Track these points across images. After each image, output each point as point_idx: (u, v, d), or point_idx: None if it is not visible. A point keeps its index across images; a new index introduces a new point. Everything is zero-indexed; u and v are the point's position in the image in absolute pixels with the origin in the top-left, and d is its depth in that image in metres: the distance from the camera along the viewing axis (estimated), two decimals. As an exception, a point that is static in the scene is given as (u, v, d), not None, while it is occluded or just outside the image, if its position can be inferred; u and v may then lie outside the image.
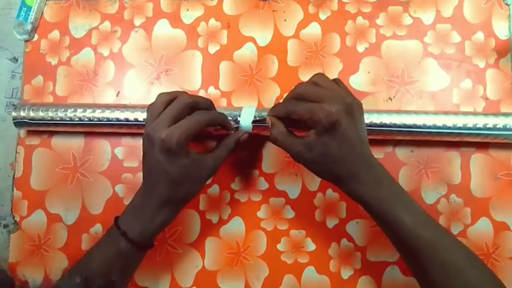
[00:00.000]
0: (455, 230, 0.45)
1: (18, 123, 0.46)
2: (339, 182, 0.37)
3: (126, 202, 0.47)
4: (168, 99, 0.38)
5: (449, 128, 0.43)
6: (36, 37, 0.51)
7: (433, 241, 0.35)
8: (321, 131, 0.35)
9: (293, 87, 0.38)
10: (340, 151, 0.35)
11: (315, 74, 0.39)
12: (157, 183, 0.37)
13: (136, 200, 0.39)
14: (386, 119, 0.43)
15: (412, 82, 0.48)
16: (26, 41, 0.51)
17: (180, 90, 0.49)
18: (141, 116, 0.44)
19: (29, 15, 0.50)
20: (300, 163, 0.38)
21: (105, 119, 0.45)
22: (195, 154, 0.38)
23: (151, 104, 0.38)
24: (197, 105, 0.38)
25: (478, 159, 0.46)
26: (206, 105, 0.40)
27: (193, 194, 0.39)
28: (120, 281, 0.39)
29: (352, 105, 0.35)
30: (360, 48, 0.49)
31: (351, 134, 0.35)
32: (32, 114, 0.45)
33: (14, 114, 0.46)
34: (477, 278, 0.34)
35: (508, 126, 0.42)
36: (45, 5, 0.52)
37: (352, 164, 0.36)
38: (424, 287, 0.37)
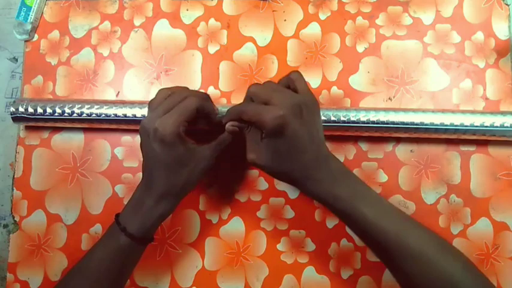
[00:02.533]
0: (455, 230, 0.45)
1: (17, 118, 0.46)
2: (296, 184, 0.37)
3: (126, 202, 0.47)
4: (167, 94, 0.38)
5: (447, 125, 0.43)
6: (36, 37, 0.51)
7: (398, 232, 0.34)
8: (269, 134, 0.35)
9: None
10: (290, 153, 0.35)
11: (265, 81, 0.39)
12: (155, 174, 0.37)
13: (135, 194, 0.39)
14: (384, 117, 0.43)
15: (412, 82, 0.48)
16: (26, 41, 0.51)
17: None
18: (140, 112, 0.44)
19: (28, 15, 0.50)
20: (255, 167, 0.38)
21: (103, 115, 0.45)
22: (192, 144, 0.38)
23: (152, 99, 0.39)
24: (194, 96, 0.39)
25: (477, 159, 0.46)
26: (204, 99, 0.40)
27: (191, 185, 0.39)
28: (120, 276, 0.39)
29: (301, 106, 0.35)
30: (360, 48, 0.49)
31: (300, 135, 0.35)
32: (30, 109, 0.45)
33: (12, 109, 0.46)
34: (450, 265, 0.34)
35: (505, 124, 0.42)
36: (45, 5, 0.52)
37: (305, 165, 0.35)
38: (400, 281, 0.36)
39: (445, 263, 0.34)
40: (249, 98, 0.38)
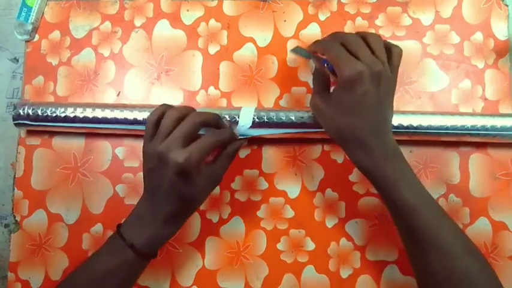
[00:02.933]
0: (454, 230, 0.45)
1: (18, 124, 0.46)
2: (345, 146, 0.37)
3: (127, 202, 0.47)
4: (179, 117, 0.37)
5: (447, 128, 0.43)
6: (36, 37, 0.51)
7: (433, 223, 0.35)
8: (341, 85, 0.35)
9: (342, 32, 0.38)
10: (352, 111, 0.35)
11: (372, 33, 0.37)
12: (168, 200, 0.37)
13: (141, 210, 0.39)
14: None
15: (411, 82, 0.48)
16: (27, 41, 0.51)
17: (181, 90, 0.49)
18: (140, 115, 0.44)
19: (29, 15, 0.50)
20: (313, 111, 0.38)
21: (105, 119, 0.45)
22: (204, 168, 0.38)
23: (153, 117, 0.37)
24: (207, 124, 0.38)
25: (476, 159, 0.46)
26: (215, 121, 0.39)
27: (199, 206, 0.40)
28: None
29: (381, 74, 0.35)
30: (360, 48, 0.49)
31: (370, 97, 0.34)
32: (31, 114, 0.45)
33: (13, 114, 0.46)
34: (472, 266, 0.34)
35: (505, 127, 0.43)
36: (45, 5, 0.52)
37: (362, 130, 0.35)
38: (417, 268, 0.37)
39: (468, 262, 0.34)
40: (338, 40, 0.37)
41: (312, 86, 0.39)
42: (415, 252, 0.37)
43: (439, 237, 0.35)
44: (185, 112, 0.37)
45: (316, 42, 0.40)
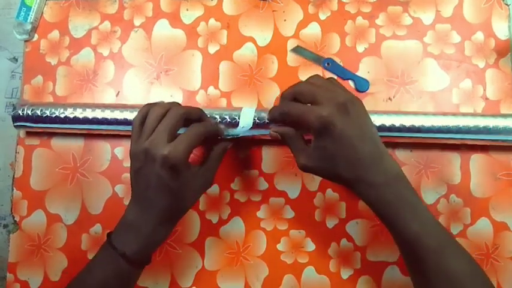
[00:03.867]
0: (455, 230, 0.45)
1: (18, 126, 0.46)
2: (349, 185, 0.36)
3: (126, 202, 0.47)
4: (162, 113, 0.37)
5: (448, 129, 0.43)
6: (36, 37, 0.51)
7: (438, 251, 0.34)
8: (316, 135, 0.35)
9: (290, 86, 0.38)
10: (339, 153, 0.34)
11: (312, 76, 0.38)
12: (157, 200, 0.36)
13: (130, 216, 0.38)
14: (386, 121, 0.43)
15: (412, 82, 0.48)
16: (26, 41, 0.51)
17: (181, 90, 0.49)
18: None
19: (28, 15, 0.50)
20: (307, 172, 0.37)
21: (105, 120, 0.45)
22: (194, 167, 0.38)
23: (138, 117, 0.38)
24: (190, 115, 0.38)
25: (477, 160, 0.46)
26: (197, 114, 0.39)
27: (190, 207, 0.39)
28: None
29: (347, 104, 0.34)
30: (360, 48, 0.49)
31: (348, 134, 0.34)
32: (30, 115, 0.45)
33: (13, 115, 0.46)
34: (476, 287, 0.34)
35: (507, 128, 0.42)
36: (44, 5, 0.52)
37: (356, 166, 0.34)
38: None
39: (473, 285, 0.33)
40: (293, 97, 0.37)
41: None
42: (420, 277, 0.35)
43: (444, 263, 0.33)
44: (168, 107, 0.37)
45: (271, 112, 0.39)
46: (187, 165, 0.36)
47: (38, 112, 0.45)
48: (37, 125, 0.46)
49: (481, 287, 0.34)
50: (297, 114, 0.35)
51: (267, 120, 0.41)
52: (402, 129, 0.43)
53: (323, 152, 0.35)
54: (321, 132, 0.34)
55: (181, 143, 0.35)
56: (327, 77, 0.47)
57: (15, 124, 0.46)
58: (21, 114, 0.45)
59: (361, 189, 0.35)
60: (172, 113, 0.37)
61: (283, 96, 0.39)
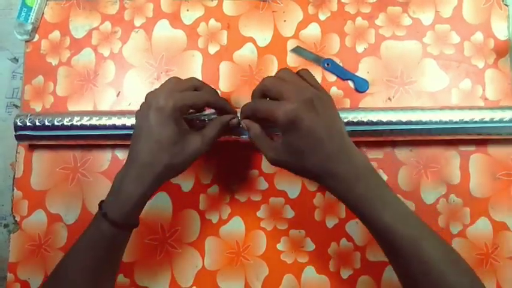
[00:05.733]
0: (454, 230, 0.45)
1: (21, 138, 0.46)
2: (318, 179, 0.36)
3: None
4: (194, 85, 0.39)
5: (445, 123, 0.42)
6: (36, 37, 0.51)
7: (412, 238, 0.34)
8: (283, 130, 0.35)
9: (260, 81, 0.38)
10: (308, 148, 0.34)
11: (281, 69, 0.38)
12: (141, 146, 0.36)
13: (116, 177, 0.38)
14: (383, 117, 0.43)
15: (411, 82, 0.48)
16: (27, 41, 0.51)
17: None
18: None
19: (29, 15, 0.50)
20: (277, 167, 0.37)
21: (112, 126, 0.44)
22: (186, 129, 0.38)
23: (176, 78, 0.40)
24: (202, 88, 0.40)
25: (477, 159, 0.46)
26: (211, 91, 0.41)
27: (175, 170, 0.38)
28: (107, 265, 0.38)
29: (313, 98, 0.34)
30: (359, 48, 0.49)
31: (315, 128, 0.34)
32: (31, 125, 0.45)
33: (14, 131, 0.45)
34: (459, 280, 0.33)
35: (505, 119, 0.42)
36: (45, 5, 0.52)
37: (325, 160, 0.34)
38: (403, 282, 0.36)
39: (454, 277, 0.33)
40: (262, 93, 0.37)
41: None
42: (401, 271, 0.36)
43: (423, 254, 0.33)
44: (202, 89, 0.40)
45: (242, 109, 0.39)
46: (177, 117, 0.36)
47: (36, 121, 0.45)
48: (40, 133, 0.45)
49: (461, 274, 0.34)
50: (264, 110, 0.36)
51: (240, 119, 0.40)
52: (399, 123, 0.43)
53: (291, 147, 0.35)
54: (288, 128, 0.34)
55: (178, 94, 0.37)
56: (327, 77, 0.48)
57: (18, 140, 0.46)
58: (20, 123, 0.45)
59: (330, 183, 0.35)
60: (187, 79, 0.39)
61: (253, 93, 0.39)
